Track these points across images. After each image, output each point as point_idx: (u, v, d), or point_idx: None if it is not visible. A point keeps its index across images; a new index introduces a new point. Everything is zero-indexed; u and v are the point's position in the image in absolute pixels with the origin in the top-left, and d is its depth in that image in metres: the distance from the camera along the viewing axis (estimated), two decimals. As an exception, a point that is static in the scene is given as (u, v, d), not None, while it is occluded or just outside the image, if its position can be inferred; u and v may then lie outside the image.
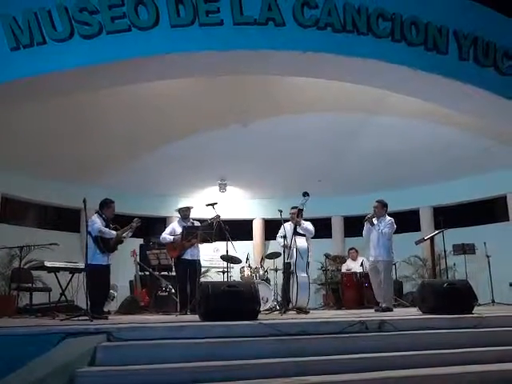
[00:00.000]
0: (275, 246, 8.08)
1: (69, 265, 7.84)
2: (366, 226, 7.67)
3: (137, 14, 6.36)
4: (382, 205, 7.66)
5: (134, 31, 6.38)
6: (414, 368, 4.07)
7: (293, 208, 7.95)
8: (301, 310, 6.94)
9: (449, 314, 5.35)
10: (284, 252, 7.51)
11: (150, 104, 9.16)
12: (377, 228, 7.52)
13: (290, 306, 7.17)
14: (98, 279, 6.49)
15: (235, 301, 4.98)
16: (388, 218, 7.60)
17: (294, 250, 7.41)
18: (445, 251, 9.23)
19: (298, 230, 7.66)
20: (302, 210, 7.68)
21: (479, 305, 7.49)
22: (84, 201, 6.05)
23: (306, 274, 7.51)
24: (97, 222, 6.87)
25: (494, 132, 9.61)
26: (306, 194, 7.50)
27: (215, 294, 5.00)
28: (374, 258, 7.53)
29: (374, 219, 7.62)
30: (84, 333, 4.15)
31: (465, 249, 10.47)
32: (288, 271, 7.39)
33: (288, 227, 7.87)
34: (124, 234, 7.22)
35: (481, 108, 8.20)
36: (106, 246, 6.87)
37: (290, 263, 7.45)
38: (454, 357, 4.37)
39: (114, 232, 6.97)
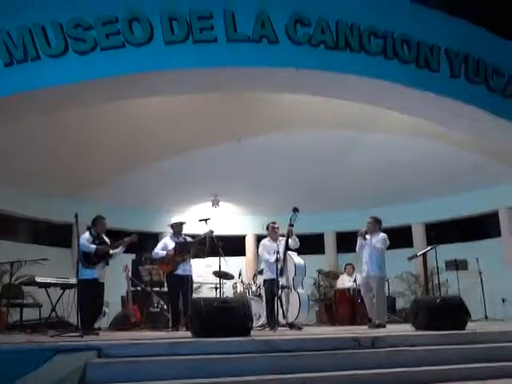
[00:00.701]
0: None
1: (60, 280, 7.79)
2: (359, 241, 7.67)
3: (131, 31, 6.39)
4: (376, 221, 7.67)
5: (127, 47, 6.41)
6: (408, 385, 4.06)
7: (272, 223, 7.93)
8: (294, 327, 6.90)
9: (442, 331, 5.36)
10: (274, 268, 7.39)
11: (144, 120, 9.16)
12: (369, 243, 7.53)
13: (285, 321, 7.11)
14: (87, 294, 6.42)
15: (228, 317, 4.95)
16: (381, 234, 7.61)
17: (293, 266, 7.41)
18: (437, 267, 9.22)
19: (289, 245, 7.62)
20: (293, 225, 7.65)
21: (472, 321, 7.48)
22: (76, 216, 6.04)
23: (304, 290, 7.51)
24: (83, 238, 6.87)
25: (485, 149, 9.69)
26: (296, 210, 7.51)
27: (208, 310, 4.97)
28: (367, 273, 7.52)
29: (366, 235, 7.63)
30: (74, 349, 4.12)
31: (457, 265, 10.49)
32: (278, 287, 7.27)
33: (268, 243, 7.80)
34: (115, 251, 7.19)
35: (471, 125, 8.28)
36: (88, 259, 6.83)
37: (274, 279, 7.30)
38: (448, 373, 4.36)
39: (93, 246, 6.94)
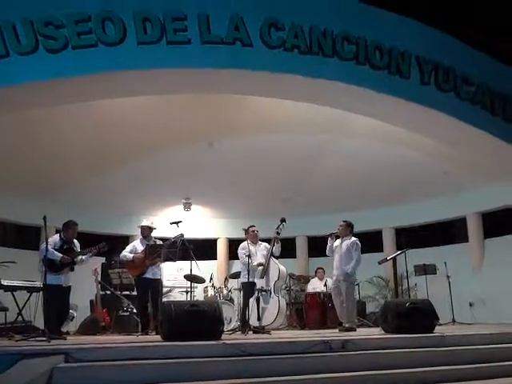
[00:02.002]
0: (239, 265, 8.03)
1: (26, 283, 7.61)
2: (329, 242, 7.70)
3: (103, 30, 6.30)
4: (347, 224, 7.71)
5: (100, 47, 6.31)
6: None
7: (251, 227, 7.97)
8: (263, 331, 6.89)
9: (411, 334, 5.41)
10: (253, 271, 7.43)
11: (113, 121, 9.01)
12: (340, 247, 7.57)
13: (258, 324, 7.10)
14: (52, 298, 6.27)
15: (198, 321, 4.91)
16: (353, 238, 7.64)
17: (277, 271, 7.48)
18: (407, 271, 9.35)
19: (273, 252, 7.71)
20: (279, 234, 7.74)
21: (440, 324, 7.58)
22: (44, 218, 5.93)
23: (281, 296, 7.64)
24: (51, 242, 6.70)
25: (454, 156, 9.85)
26: (283, 220, 7.62)
27: (178, 314, 4.92)
28: (337, 277, 7.55)
29: (338, 239, 7.67)
30: (41, 354, 4.02)
31: (426, 269, 10.63)
32: (253, 290, 7.28)
33: (251, 247, 7.82)
34: (83, 257, 7.04)
35: (441, 132, 8.42)
36: (52, 267, 6.63)
37: (254, 283, 7.38)
38: (416, 376, 4.41)
39: (59, 255, 6.77)
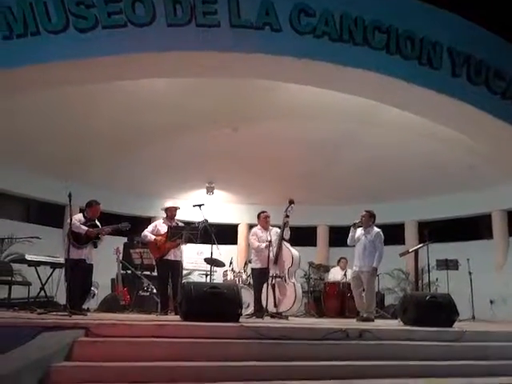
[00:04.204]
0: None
1: (50, 259, 7.74)
2: (352, 232, 7.64)
3: (133, 11, 6.33)
4: (370, 214, 7.63)
5: (129, 27, 6.35)
6: (393, 378, 4.07)
7: (262, 212, 7.91)
8: (281, 317, 6.90)
9: (429, 327, 5.36)
10: (264, 257, 7.36)
11: (140, 102, 9.03)
12: (362, 238, 7.51)
13: (275, 310, 7.09)
14: (74, 274, 6.39)
15: (217, 302, 4.93)
16: (376, 229, 7.57)
17: (290, 256, 7.40)
18: (428, 265, 9.25)
19: (284, 236, 7.60)
20: (288, 216, 7.62)
21: (460, 320, 7.50)
22: (69, 195, 6.00)
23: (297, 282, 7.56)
24: (75, 218, 6.82)
25: (481, 151, 9.67)
26: (291, 202, 7.50)
27: (198, 295, 4.95)
28: (359, 268, 7.49)
29: (360, 228, 7.60)
30: (62, 327, 4.10)
31: (448, 264, 10.49)
32: (265, 276, 7.23)
33: (259, 232, 7.75)
34: (102, 231, 7.13)
35: (469, 125, 8.28)
36: (77, 239, 6.77)
37: (265, 269, 7.28)
38: (434, 369, 4.38)
39: (84, 228, 6.90)
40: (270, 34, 6.69)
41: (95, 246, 7.10)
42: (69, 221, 6.46)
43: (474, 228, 13.31)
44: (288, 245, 7.62)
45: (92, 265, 7.13)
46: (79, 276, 6.67)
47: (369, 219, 7.59)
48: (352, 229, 7.64)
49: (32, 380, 3.24)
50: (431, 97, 7.51)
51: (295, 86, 8.11)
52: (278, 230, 7.65)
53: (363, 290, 7.55)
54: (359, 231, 7.62)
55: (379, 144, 10.48)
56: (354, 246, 7.68)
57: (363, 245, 7.46)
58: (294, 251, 7.56)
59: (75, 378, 3.44)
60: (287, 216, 7.51)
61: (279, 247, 7.43)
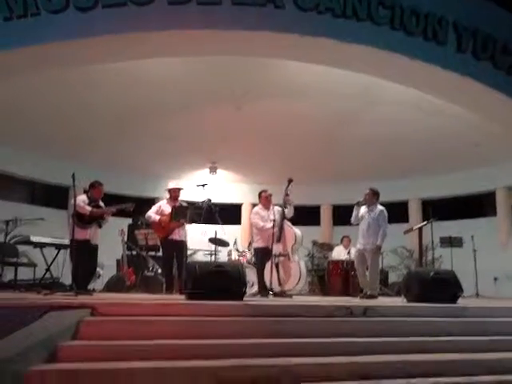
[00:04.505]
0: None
1: (55, 240, 7.78)
2: (355, 211, 7.62)
3: (133, -11, 6.25)
4: (373, 192, 7.58)
5: (129, 6, 6.28)
6: (398, 354, 4.09)
7: (263, 191, 7.87)
8: (285, 295, 6.93)
9: (434, 303, 5.38)
10: (267, 236, 7.36)
11: (141, 82, 8.97)
12: (366, 216, 7.49)
13: (280, 289, 7.12)
14: (80, 254, 6.42)
15: (222, 281, 4.95)
16: (379, 206, 7.54)
17: (292, 234, 7.42)
18: (432, 243, 9.27)
19: (286, 215, 7.59)
20: (288, 195, 7.61)
21: (463, 297, 7.53)
22: (73, 176, 6.00)
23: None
24: (79, 199, 6.84)
25: (486, 127, 9.60)
26: (290, 181, 7.50)
27: (202, 274, 4.97)
28: (363, 246, 7.48)
29: (363, 206, 7.59)
30: (68, 307, 4.12)
31: (452, 242, 10.50)
32: (268, 255, 7.23)
33: (261, 211, 7.73)
34: (106, 211, 7.15)
35: (475, 101, 8.21)
36: (81, 219, 6.81)
37: (267, 248, 7.29)
38: (438, 344, 4.40)
39: (89, 208, 6.92)
40: (272, 11, 6.61)
41: (100, 226, 7.12)
42: (73, 202, 6.47)
43: (477, 205, 13.30)
44: (289, 223, 7.63)
45: (97, 246, 7.17)
46: (84, 256, 6.70)
47: (372, 197, 7.55)
48: (356, 207, 7.62)
49: (39, 359, 3.27)
50: (436, 73, 7.43)
51: (298, 64, 8.03)
52: (280, 209, 7.65)
53: (367, 268, 7.56)
54: (363, 209, 7.60)
55: (382, 121, 10.41)
56: (357, 224, 7.67)
57: (367, 223, 7.45)
58: (297, 230, 7.59)
59: (82, 357, 3.46)
60: (287, 195, 7.51)
61: (281, 226, 7.45)
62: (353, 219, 7.68)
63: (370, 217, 7.45)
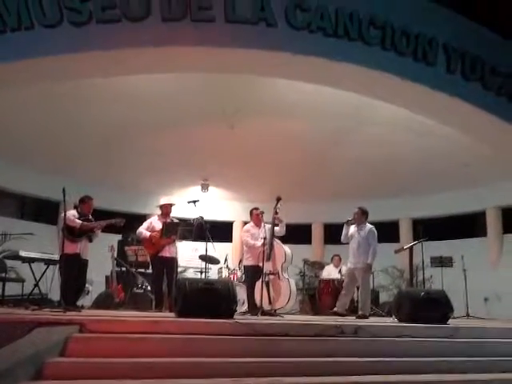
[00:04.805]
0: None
1: (44, 255, 7.72)
2: (345, 229, 7.66)
3: (128, 5, 6.29)
4: (362, 211, 7.66)
5: (124, 22, 6.31)
6: (388, 374, 4.06)
7: (255, 209, 7.86)
8: (275, 313, 6.88)
9: (424, 323, 5.36)
10: (257, 254, 7.33)
11: (133, 98, 8.96)
12: (356, 235, 7.52)
13: (270, 307, 7.07)
14: (69, 269, 6.35)
15: (212, 298, 4.92)
16: (368, 225, 7.58)
17: (282, 252, 7.41)
18: (423, 263, 9.26)
19: (275, 233, 7.57)
20: (277, 213, 7.60)
21: (454, 317, 7.52)
22: (63, 190, 5.96)
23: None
24: (69, 213, 6.79)
25: (475, 147, 9.68)
26: (279, 199, 7.52)
27: (192, 291, 4.94)
28: (353, 265, 7.51)
29: (353, 225, 7.62)
30: (56, 323, 4.06)
31: (442, 261, 10.52)
32: (258, 274, 7.20)
33: (252, 229, 7.72)
34: (96, 225, 7.10)
35: (465, 122, 8.29)
36: (71, 233, 6.78)
37: (257, 266, 7.25)
38: (428, 365, 4.37)
39: (79, 221, 6.89)
40: (265, 30, 6.66)
41: (90, 241, 7.09)
42: (62, 215, 6.43)
43: (468, 225, 13.35)
44: (279, 241, 7.62)
45: (87, 261, 7.11)
46: (74, 271, 6.64)
47: (361, 216, 7.62)
48: (345, 226, 7.66)
49: (26, 375, 3.21)
50: (426, 93, 7.51)
51: (290, 83, 8.08)
52: (270, 227, 7.64)
53: (357, 288, 7.56)
54: (352, 228, 7.64)
55: (374, 141, 10.48)
56: (347, 242, 7.69)
57: (357, 242, 7.49)
58: (287, 248, 7.60)
59: (69, 374, 3.40)
60: (276, 213, 7.51)
61: (271, 244, 7.43)
62: (342, 238, 7.74)
63: (359, 236, 7.50)
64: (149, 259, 8.21)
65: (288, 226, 7.73)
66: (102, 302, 8.64)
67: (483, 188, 11.99)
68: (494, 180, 11.56)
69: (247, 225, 7.92)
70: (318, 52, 6.89)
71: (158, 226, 7.65)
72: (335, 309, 7.53)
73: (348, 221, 7.63)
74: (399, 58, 7.28)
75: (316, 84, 7.90)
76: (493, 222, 12.44)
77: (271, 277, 7.34)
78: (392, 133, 10.09)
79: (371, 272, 8.12)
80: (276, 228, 7.54)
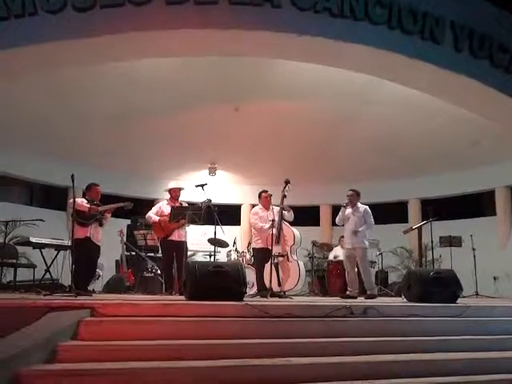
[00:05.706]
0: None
1: (54, 241, 7.76)
2: (342, 212, 7.66)
3: (132, -11, 6.25)
4: (357, 193, 7.68)
5: (127, 6, 6.27)
6: (398, 354, 4.08)
7: (263, 192, 7.87)
8: (284, 295, 6.91)
9: (434, 303, 5.37)
10: (267, 236, 7.33)
11: (139, 82, 8.96)
12: (352, 216, 7.54)
13: (280, 289, 7.11)
14: (80, 254, 6.40)
15: (222, 281, 4.93)
16: (362, 205, 7.60)
17: (291, 234, 7.42)
18: (432, 243, 9.24)
19: (284, 216, 7.59)
20: (285, 196, 7.61)
21: (463, 296, 7.52)
22: (72, 176, 5.97)
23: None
24: (78, 200, 6.85)
25: (484, 126, 9.60)
26: (287, 182, 7.51)
27: (202, 274, 4.95)
28: (352, 245, 7.52)
29: (348, 207, 7.63)
30: (67, 307, 4.11)
31: (451, 241, 10.48)
32: (267, 256, 7.22)
33: (261, 212, 7.74)
34: (105, 208, 7.15)
35: (473, 100, 8.21)
36: (82, 217, 6.82)
37: (267, 248, 7.27)
38: (438, 344, 4.39)
39: (87, 205, 6.94)
40: (269, 11, 6.60)
41: (101, 225, 7.11)
42: (71, 200, 6.47)
43: (477, 205, 13.30)
44: (288, 224, 7.64)
45: (99, 246, 7.14)
46: (85, 255, 6.69)
47: (356, 197, 7.65)
48: (342, 209, 7.68)
49: (39, 358, 3.26)
50: (433, 72, 7.44)
51: (295, 64, 8.03)
52: (279, 209, 7.65)
53: (357, 267, 7.61)
54: (348, 210, 7.65)
55: (381, 121, 10.42)
56: (343, 225, 7.71)
57: (353, 223, 7.51)
58: (295, 230, 7.60)
59: (81, 357, 3.45)
60: (285, 196, 7.52)
61: (280, 226, 7.44)
62: (338, 220, 7.78)
63: (355, 216, 7.53)
64: (157, 243, 8.25)
65: (296, 208, 7.74)
66: (113, 287, 8.73)
67: (492, 167, 11.90)
68: (504, 159, 11.47)
69: (256, 207, 7.93)
70: (324, 33, 6.82)
71: (167, 210, 7.65)
72: (348, 292, 7.51)
73: (346, 203, 7.65)
74: (406, 36, 7.20)
75: (322, 64, 7.84)
76: (502, 201, 12.37)
77: (280, 259, 7.35)
78: (400, 112, 10.03)
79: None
80: (284, 212, 7.56)
